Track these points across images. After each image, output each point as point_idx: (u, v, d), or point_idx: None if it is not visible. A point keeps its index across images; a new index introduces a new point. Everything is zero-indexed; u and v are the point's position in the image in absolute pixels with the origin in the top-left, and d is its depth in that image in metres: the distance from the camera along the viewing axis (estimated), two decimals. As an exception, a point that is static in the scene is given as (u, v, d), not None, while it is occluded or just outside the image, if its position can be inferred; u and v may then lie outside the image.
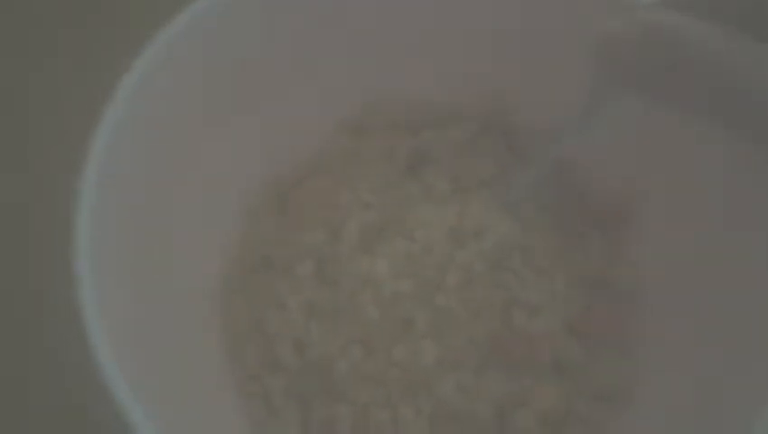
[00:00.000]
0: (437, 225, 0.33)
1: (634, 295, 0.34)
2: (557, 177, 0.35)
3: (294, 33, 0.33)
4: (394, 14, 0.33)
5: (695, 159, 0.32)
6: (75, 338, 0.25)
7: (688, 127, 0.30)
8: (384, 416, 0.31)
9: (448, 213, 0.33)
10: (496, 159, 0.35)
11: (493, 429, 0.31)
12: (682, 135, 0.31)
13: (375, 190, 0.34)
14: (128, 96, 0.28)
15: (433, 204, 0.34)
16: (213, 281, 0.33)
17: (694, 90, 0.26)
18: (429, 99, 0.36)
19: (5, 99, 0.41)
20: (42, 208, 0.37)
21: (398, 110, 0.36)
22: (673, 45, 0.26)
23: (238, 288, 0.33)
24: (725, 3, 0.25)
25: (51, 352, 0.35)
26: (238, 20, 0.31)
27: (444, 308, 0.32)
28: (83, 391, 0.29)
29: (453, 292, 0.32)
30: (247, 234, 0.34)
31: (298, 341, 0.32)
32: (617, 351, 0.33)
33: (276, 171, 0.35)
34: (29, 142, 0.40)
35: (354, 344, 0.31)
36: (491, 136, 0.36)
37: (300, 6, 0.32)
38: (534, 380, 0.32)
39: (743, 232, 0.30)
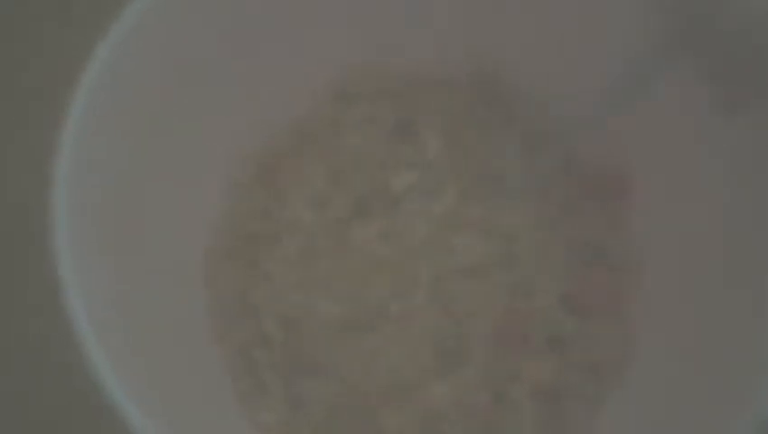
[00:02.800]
0: (431, 209, 0.32)
1: (631, 266, 0.33)
2: (552, 147, 0.34)
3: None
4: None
5: (695, 132, 0.31)
6: (56, 318, 0.25)
7: (688, 97, 0.30)
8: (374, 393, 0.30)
9: (444, 196, 0.33)
10: (487, 129, 0.35)
11: (486, 404, 0.31)
12: (683, 105, 0.30)
13: (360, 162, 0.34)
14: (104, 64, 0.27)
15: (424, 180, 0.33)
16: (198, 255, 0.32)
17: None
18: (417, 66, 0.35)
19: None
20: (17, 188, 0.36)
21: (384, 77, 0.35)
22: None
23: (224, 262, 0.33)
24: None
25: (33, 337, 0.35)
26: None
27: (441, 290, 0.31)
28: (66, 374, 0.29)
29: (451, 273, 0.32)
30: (231, 208, 0.34)
31: (285, 316, 0.31)
32: (612, 323, 0.32)
33: (259, 141, 0.34)
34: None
35: (344, 321, 0.31)
36: (480, 105, 0.35)
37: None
38: (528, 355, 0.31)
39: (742, 207, 0.30)
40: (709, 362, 0.29)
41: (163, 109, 0.30)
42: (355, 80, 0.35)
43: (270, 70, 0.33)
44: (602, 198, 0.34)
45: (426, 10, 0.33)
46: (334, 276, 0.31)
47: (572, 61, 0.33)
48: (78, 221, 0.26)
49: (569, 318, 0.32)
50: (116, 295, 0.26)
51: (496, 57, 0.34)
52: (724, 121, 0.30)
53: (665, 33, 0.28)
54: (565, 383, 0.31)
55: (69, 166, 0.26)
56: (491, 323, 0.31)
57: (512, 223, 0.33)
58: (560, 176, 0.34)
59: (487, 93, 0.35)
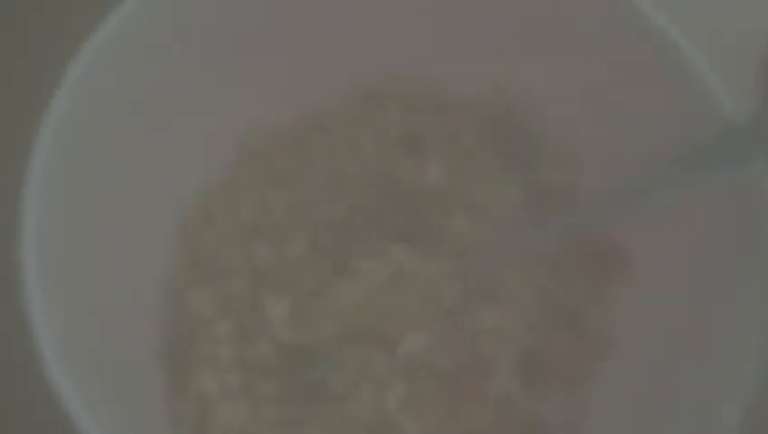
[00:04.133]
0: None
1: (601, 341, 0.33)
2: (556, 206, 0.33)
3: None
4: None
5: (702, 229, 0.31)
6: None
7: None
8: None
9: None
10: (493, 158, 0.34)
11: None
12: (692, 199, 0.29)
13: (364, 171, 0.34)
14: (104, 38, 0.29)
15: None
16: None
17: None
18: (437, 88, 0.34)
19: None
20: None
21: (402, 94, 0.35)
22: None
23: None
24: None
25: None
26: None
27: None
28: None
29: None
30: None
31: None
32: (566, 390, 0.32)
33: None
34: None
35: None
36: (492, 135, 0.35)
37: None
38: (475, 403, 0.31)
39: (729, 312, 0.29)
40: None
41: (162, 99, 0.31)
42: (374, 91, 0.35)
43: (291, 70, 0.33)
44: (595, 269, 0.33)
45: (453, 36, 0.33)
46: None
47: (606, 139, 0.32)
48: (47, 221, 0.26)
49: (523, 379, 0.32)
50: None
51: (526, 100, 0.34)
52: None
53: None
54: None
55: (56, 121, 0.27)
56: (451, 363, 0.31)
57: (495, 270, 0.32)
58: (558, 237, 0.33)
59: (507, 132, 0.34)
